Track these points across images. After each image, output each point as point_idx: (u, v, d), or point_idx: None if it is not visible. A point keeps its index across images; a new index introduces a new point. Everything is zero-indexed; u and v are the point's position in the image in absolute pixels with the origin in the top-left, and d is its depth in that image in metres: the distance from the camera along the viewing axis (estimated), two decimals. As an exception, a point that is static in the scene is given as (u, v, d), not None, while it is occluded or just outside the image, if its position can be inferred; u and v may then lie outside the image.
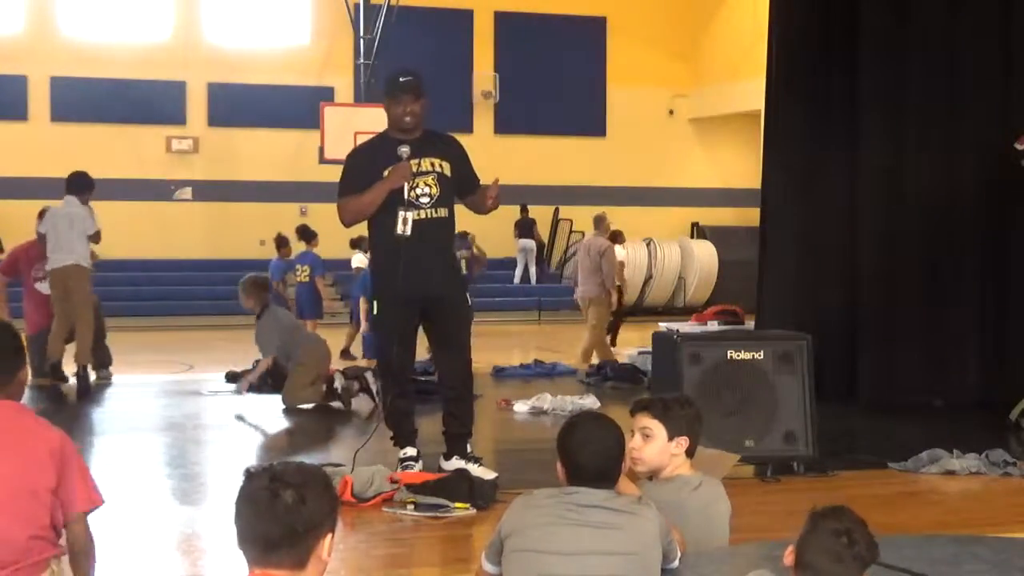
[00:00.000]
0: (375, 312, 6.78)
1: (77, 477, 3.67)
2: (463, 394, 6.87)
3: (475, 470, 6.46)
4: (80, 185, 10.69)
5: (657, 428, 4.13)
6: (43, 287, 11.03)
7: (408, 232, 6.49)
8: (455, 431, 6.80)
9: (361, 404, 9.66)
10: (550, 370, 12.18)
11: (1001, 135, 9.21)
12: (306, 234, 15.05)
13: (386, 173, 6.60)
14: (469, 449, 6.80)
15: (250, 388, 9.96)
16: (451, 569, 5.19)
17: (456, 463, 6.61)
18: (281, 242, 15.43)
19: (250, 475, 2.71)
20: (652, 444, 4.13)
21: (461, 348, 6.89)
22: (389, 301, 6.62)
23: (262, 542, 2.64)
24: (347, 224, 6.83)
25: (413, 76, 6.70)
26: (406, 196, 6.54)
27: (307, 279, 14.19)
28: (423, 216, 6.58)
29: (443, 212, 6.69)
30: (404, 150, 6.58)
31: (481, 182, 6.90)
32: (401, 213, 6.52)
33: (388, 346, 6.73)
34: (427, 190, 6.58)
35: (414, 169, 6.58)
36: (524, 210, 23.61)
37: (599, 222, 13.90)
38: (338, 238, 18.68)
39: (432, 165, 6.66)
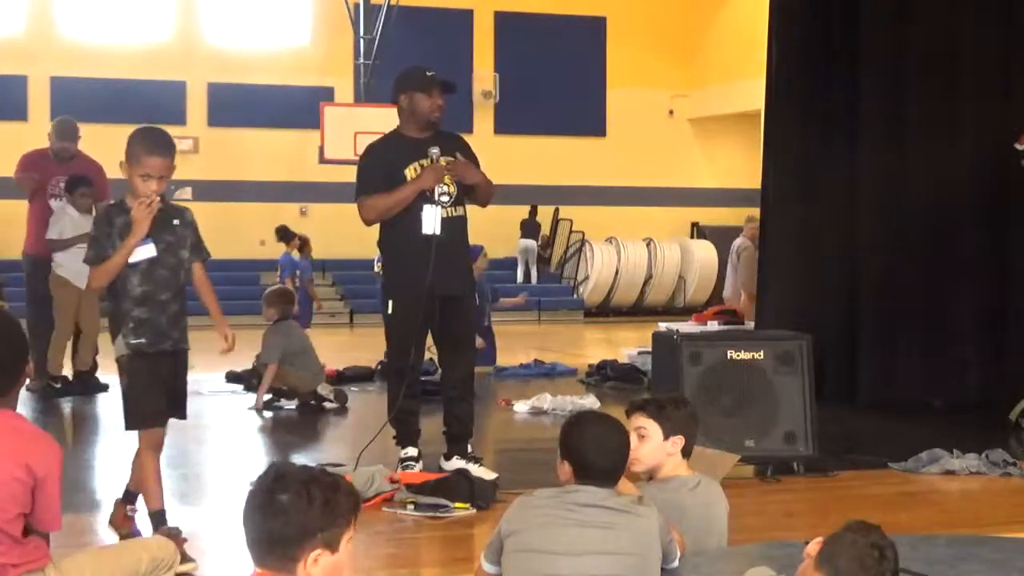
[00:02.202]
0: (390, 311, 6.75)
1: (43, 501, 3.62)
2: (465, 395, 6.88)
3: (475, 470, 6.46)
4: (66, 188, 10.14)
5: (652, 428, 4.15)
6: (60, 206, 10.18)
7: (439, 230, 6.52)
8: (456, 431, 6.80)
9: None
10: (550, 370, 12.19)
11: (1001, 135, 9.22)
12: (285, 235, 15.01)
13: (409, 172, 6.60)
14: (469, 449, 6.80)
15: (266, 405, 9.73)
16: (451, 569, 5.19)
17: (456, 463, 6.61)
18: (303, 241, 15.38)
19: (266, 469, 2.75)
20: (648, 444, 4.14)
21: (467, 349, 6.90)
22: (408, 300, 6.60)
23: (253, 542, 2.69)
24: (370, 223, 6.80)
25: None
26: (436, 197, 6.56)
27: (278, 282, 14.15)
28: (444, 215, 6.60)
29: (460, 211, 6.73)
30: (435, 151, 6.60)
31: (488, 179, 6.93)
32: (429, 210, 6.54)
33: (404, 345, 6.71)
34: (446, 189, 6.60)
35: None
36: (534, 211, 23.63)
37: (746, 223, 14.11)
38: (338, 238, 18.75)
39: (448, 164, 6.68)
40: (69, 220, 9.98)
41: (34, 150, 10.68)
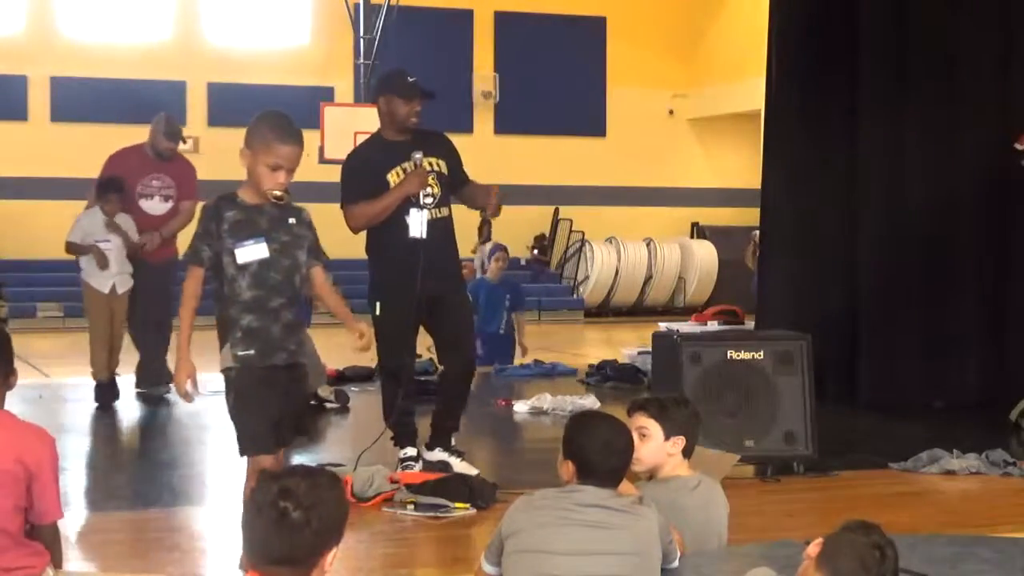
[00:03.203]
0: (378, 313, 6.76)
1: (40, 492, 3.63)
2: (462, 392, 6.93)
3: (457, 464, 6.49)
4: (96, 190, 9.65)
5: (654, 428, 4.15)
6: (152, 206, 9.76)
7: (425, 234, 6.53)
8: (443, 424, 6.83)
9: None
10: (550, 370, 12.18)
11: (1001, 135, 9.22)
12: None
13: (392, 177, 6.61)
14: (452, 443, 6.83)
15: None
16: (451, 569, 5.19)
17: (439, 455, 6.63)
18: None
19: (259, 482, 2.69)
20: (649, 444, 4.14)
21: (468, 347, 6.92)
22: (397, 302, 6.62)
23: (263, 554, 2.64)
24: (356, 230, 6.82)
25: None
26: (421, 200, 6.57)
27: None
28: (430, 217, 6.61)
29: (445, 212, 6.74)
30: (418, 156, 6.61)
31: (475, 180, 6.94)
32: (415, 214, 6.55)
33: (394, 347, 6.72)
34: (430, 191, 6.61)
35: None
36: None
37: None
38: (338, 238, 18.75)
39: (431, 165, 6.69)
40: (88, 222, 9.59)
41: (124, 148, 10.17)
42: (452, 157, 6.83)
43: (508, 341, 12.60)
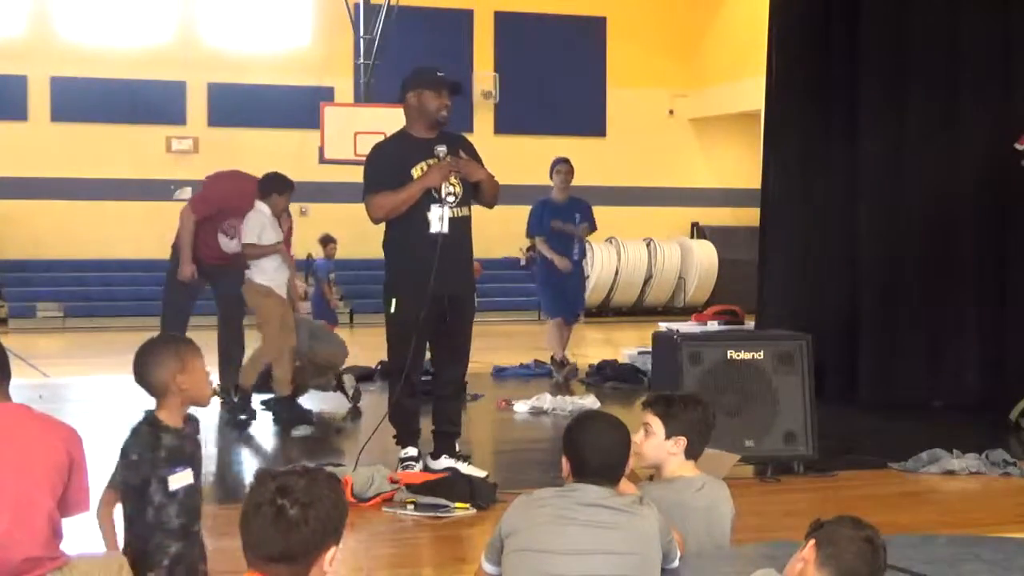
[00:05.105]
0: (392, 310, 6.75)
1: (78, 483, 3.68)
2: (458, 394, 6.93)
3: (465, 468, 6.49)
4: (262, 188, 8.99)
5: (656, 425, 4.17)
6: (228, 244, 9.15)
7: (446, 230, 6.54)
8: (447, 430, 6.82)
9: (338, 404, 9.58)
10: (550, 370, 12.18)
11: (1001, 135, 9.22)
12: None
13: (415, 172, 6.63)
14: (457, 448, 6.82)
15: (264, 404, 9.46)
16: (451, 569, 5.19)
17: (445, 461, 6.63)
18: (326, 240, 15.39)
19: (258, 481, 2.68)
20: (650, 440, 4.17)
21: (465, 350, 6.91)
22: (412, 299, 6.61)
23: (261, 553, 2.63)
24: (377, 221, 6.82)
25: None
26: (442, 196, 6.58)
27: None
28: (450, 215, 6.63)
29: (466, 211, 6.75)
30: (441, 149, 6.64)
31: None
32: (437, 210, 6.57)
33: (404, 344, 6.71)
34: (452, 189, 6.63)
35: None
36: None
37: None
38: (339, 238, 18.76)
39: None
40: (257, 222, 8.74)
41: (242, 174, 9.71)
42: (473, 158, 6.85)
43: (581, 274, 12.04)
